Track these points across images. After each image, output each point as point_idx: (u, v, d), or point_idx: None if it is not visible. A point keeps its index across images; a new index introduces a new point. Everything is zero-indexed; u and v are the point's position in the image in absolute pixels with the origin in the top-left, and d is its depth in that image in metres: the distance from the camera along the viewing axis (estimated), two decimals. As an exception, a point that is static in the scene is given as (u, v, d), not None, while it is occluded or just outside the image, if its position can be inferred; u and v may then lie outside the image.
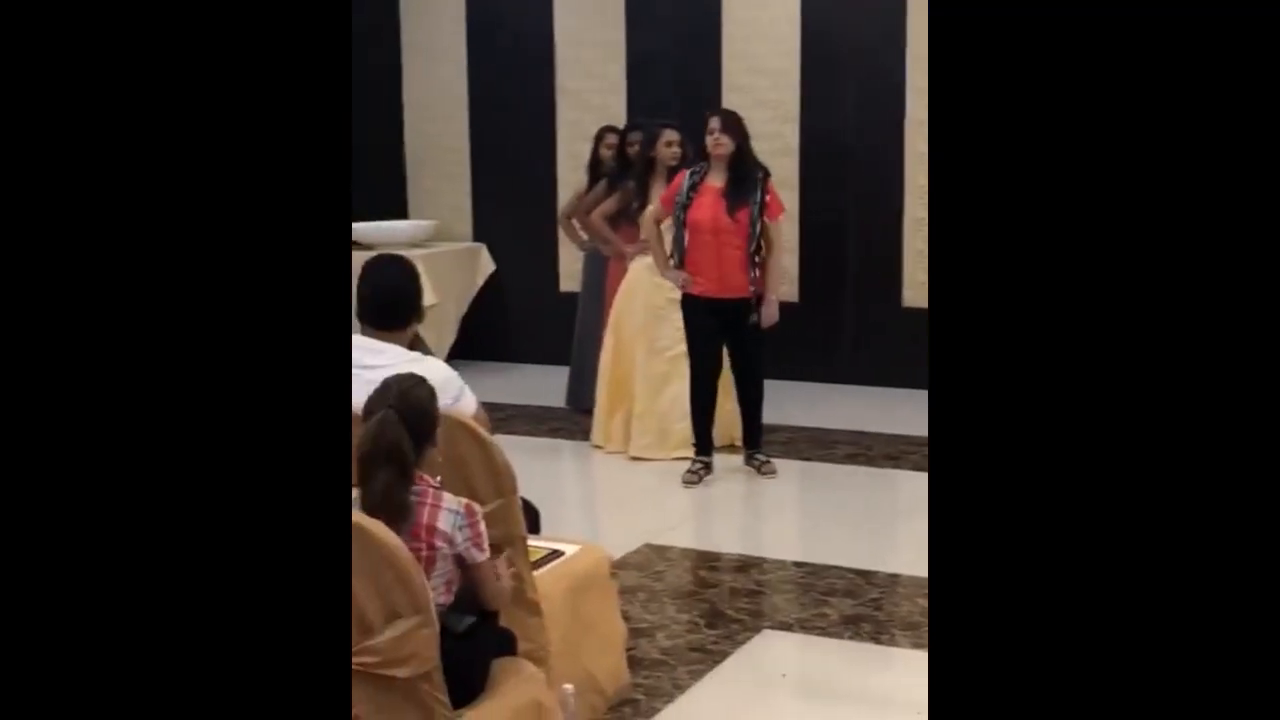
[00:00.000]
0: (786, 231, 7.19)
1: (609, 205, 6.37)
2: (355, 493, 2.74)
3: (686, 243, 5.57)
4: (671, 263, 5.65)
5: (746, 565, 4.71)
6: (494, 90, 8.26)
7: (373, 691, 2.57)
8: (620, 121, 7.19)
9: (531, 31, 8.10)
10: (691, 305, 5.67)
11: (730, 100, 7.54)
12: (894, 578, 4.54)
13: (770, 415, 5.96)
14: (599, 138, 6.78)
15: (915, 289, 7.36)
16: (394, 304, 3.41)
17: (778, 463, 5.83)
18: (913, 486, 5.74)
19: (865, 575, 4.55)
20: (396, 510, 2.63)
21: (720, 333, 5.65)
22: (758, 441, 5.84)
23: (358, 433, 2.70)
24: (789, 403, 6.71)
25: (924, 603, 4.30)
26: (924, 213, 7.32)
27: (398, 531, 2.60)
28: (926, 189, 7.34)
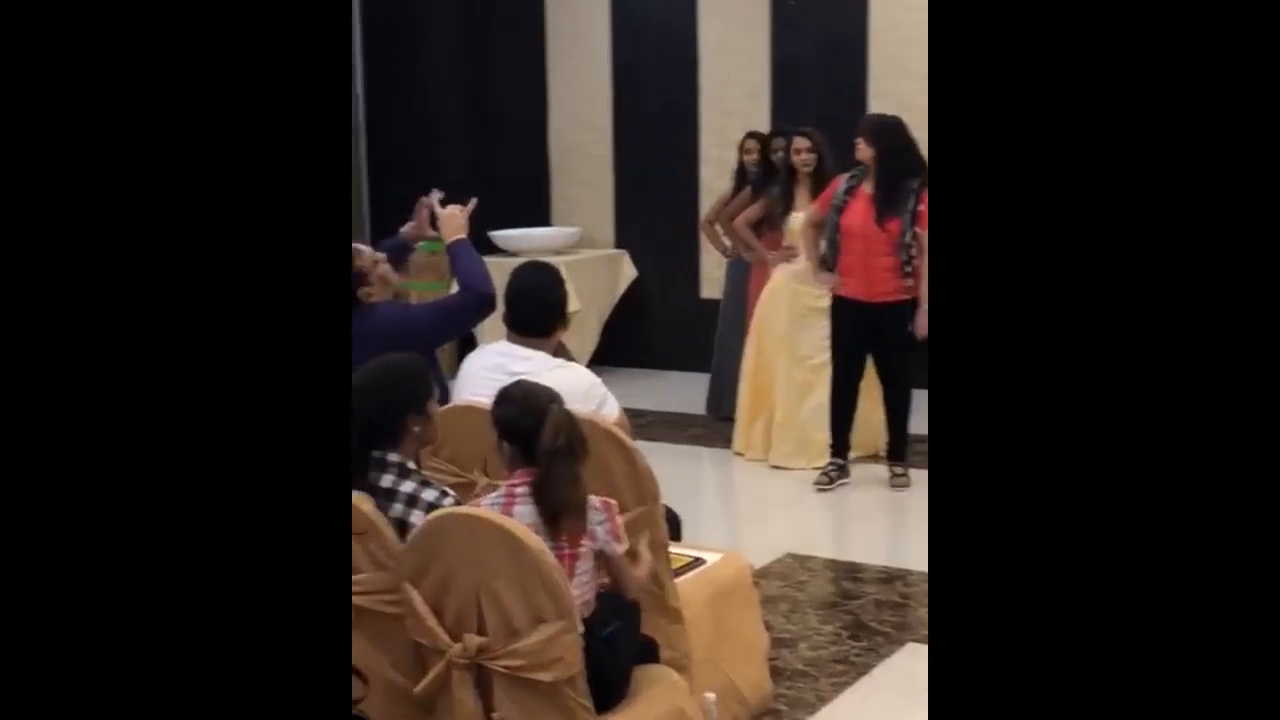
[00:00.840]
0: (921, 235, 7.11)
1: (753, 211, 6.35)
2: (493, 494, 2.77)
3: (839, 246, 5.54)
4: (823, 265, 5.64)
5: (890, 577, 4.64)
6: (638, 97, 8.30)
7: (517, 694, 2.59)
8: (765, 128, 7.16)
9: (676, 38, 8.11)
10: (839, 306, 5.64)
11: (876, 105, 7.46)
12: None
13: (915, 424, 5.87)
14: (743, 144, 6.76)
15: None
16: (540, 311, 3.44)
17: (918, 474, 5.74)
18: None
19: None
20: (580, 506, 2.68)
21: (865, 337, 5.58)
22: (900, 453, 5.75)
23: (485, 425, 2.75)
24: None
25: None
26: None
27: (573, 529, 2.64)
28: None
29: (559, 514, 2.65)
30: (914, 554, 4.93)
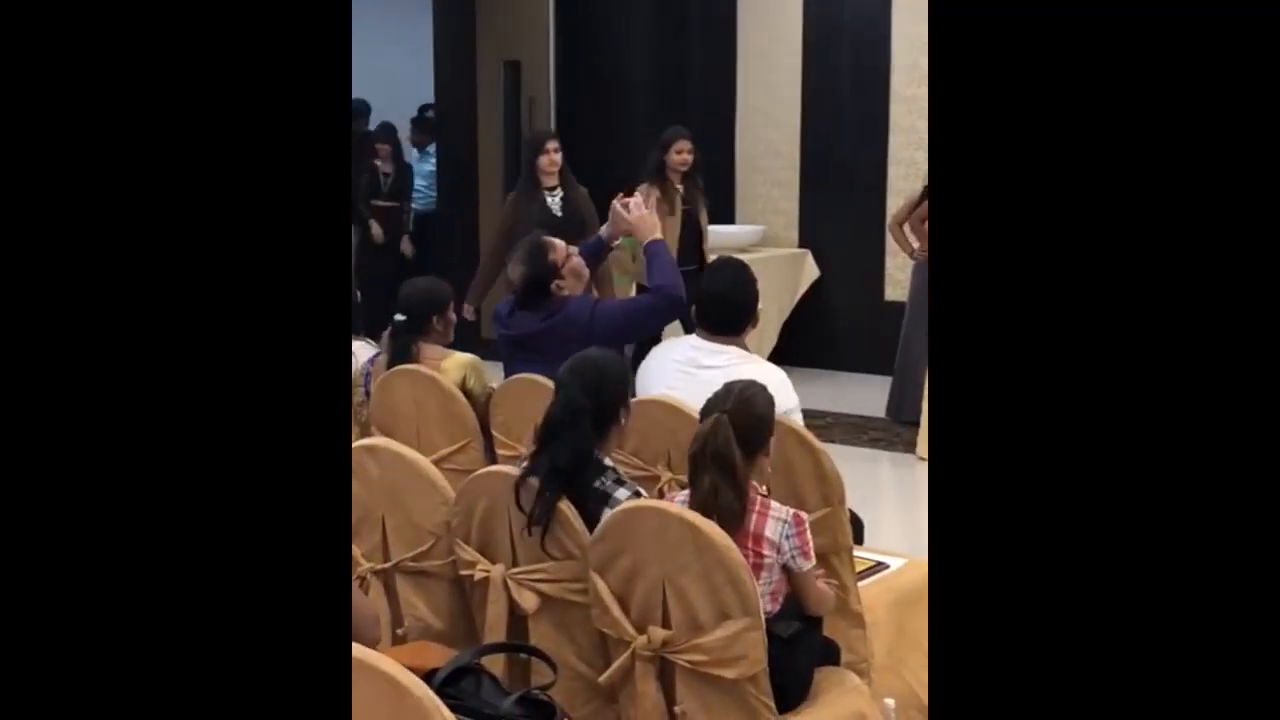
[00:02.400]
0: None
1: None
2: (684, 493, 2.78)
3: None
4: None
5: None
6: (828, 96, 8.24)
7: (700, 689, 2.60)
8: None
9: (868, 37, 8.03)
10: None
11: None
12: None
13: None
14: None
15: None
16: (735, 310, 3.44)
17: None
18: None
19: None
20: (722, 514, 2.64)
21: None
22: None
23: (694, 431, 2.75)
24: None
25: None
26: None
27: (731, 531, 2.62)
28: None
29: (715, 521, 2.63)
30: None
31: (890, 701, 3.15)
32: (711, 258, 5.75)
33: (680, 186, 6.28)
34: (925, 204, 6.53)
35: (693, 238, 6.32)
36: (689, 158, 6.27)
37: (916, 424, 6.30)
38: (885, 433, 6.70)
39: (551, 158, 5.90)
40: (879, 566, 3.49)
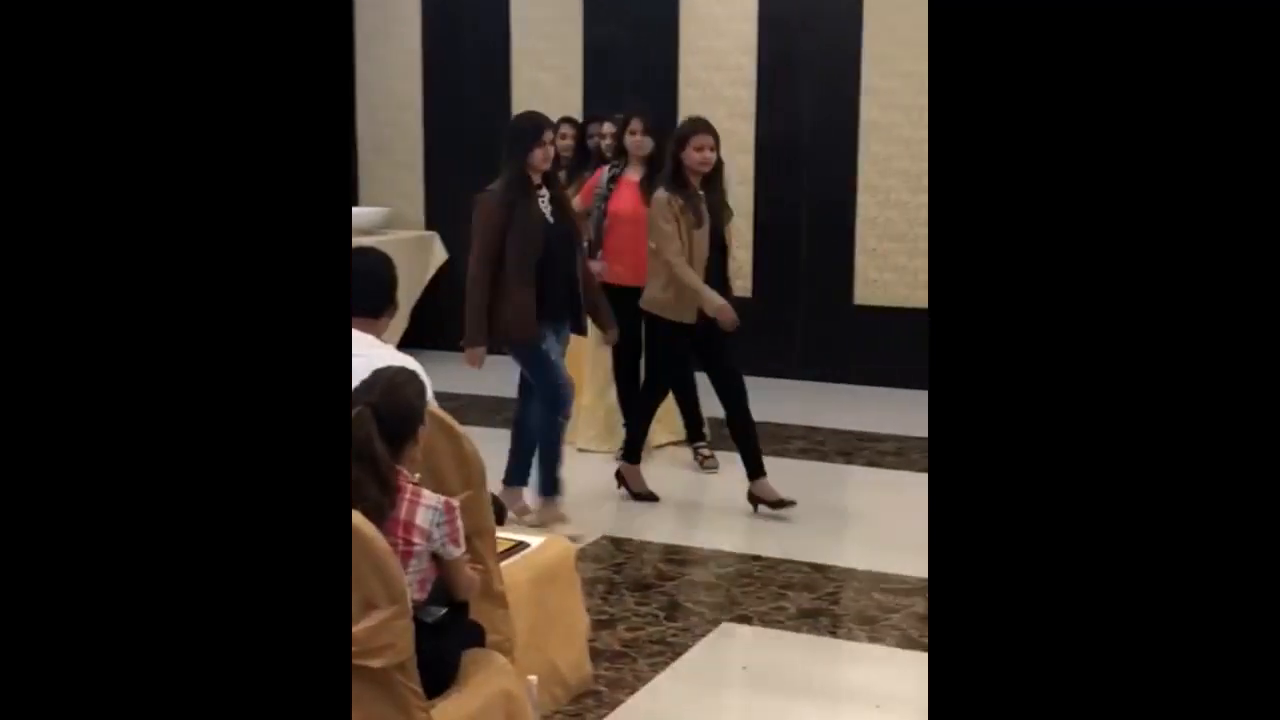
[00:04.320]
0: (742, 228, 7.25)
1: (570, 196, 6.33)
2: None
3: (606, 233, 5.69)
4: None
5: (704, 559, 4.72)
6: (450, 76, 8.21)
7: (346, 682, 2.56)
8: (578, 113, 7.17)
9: (488, 23, 8.05)
10: (610, 294, 5.73)
11: (687, 95, 7.55)
12: (849, 571, 4.57)
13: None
14: (555, 129, 6.74)
15: (867, 287, 7.44)
16: (369, 294, 3.37)
17: (725, 455, 5.85)
18: (865, 481, 5.80)
19: (821, 569, 4.58)
20: (366, 508, 2.59)
21: (638, 321, 5.51)
22: (699, 434, 5.92)
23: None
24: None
25: (879, 597, 4.34)
26: (876, 212, 7.40)
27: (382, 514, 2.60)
28: (879, 189, 7.41)
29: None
30: (726, 535, 5.04)
31: (533, 679, 3.19)
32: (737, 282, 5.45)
33: (703, 192, 5.10)
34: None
35: (720, 256, 5.21)
36: (711, 156, 5.06)
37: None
38: (517, 413, 6.75)
39: (546, 150, 4.83)
40: (519, 546, 3.53)
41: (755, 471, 5.24)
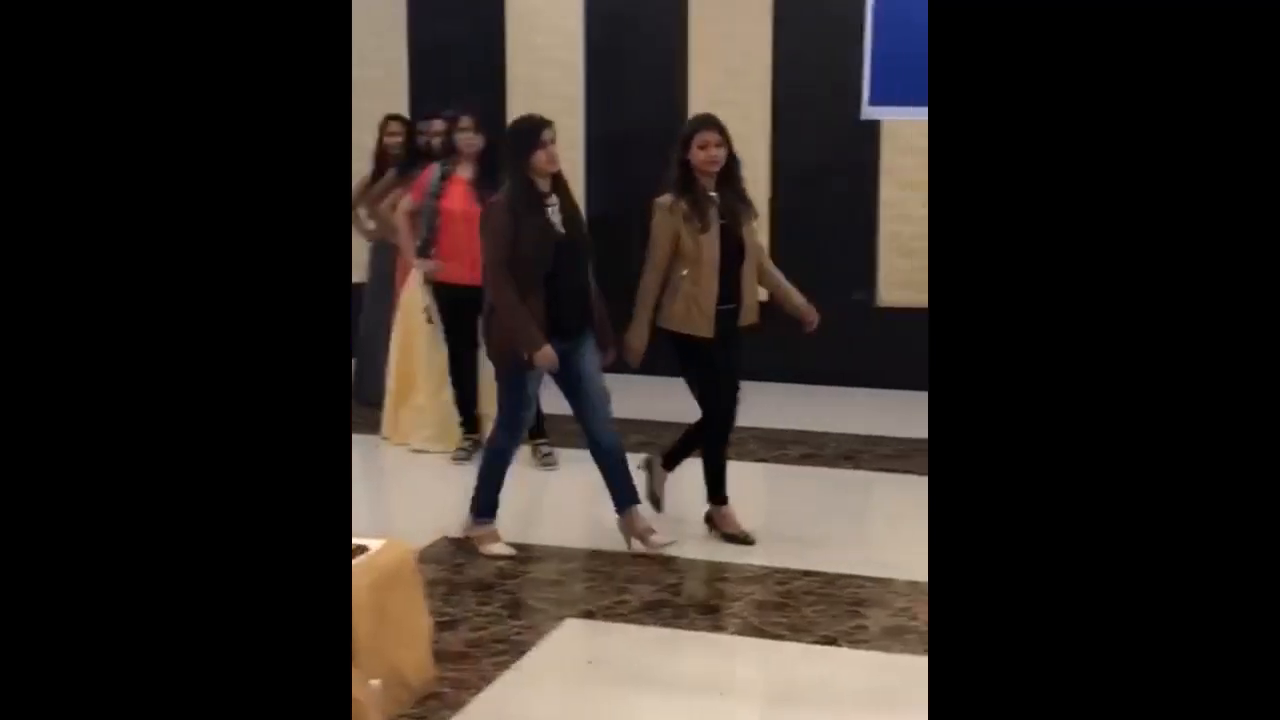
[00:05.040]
0: None
1: (400, 194, 6.23)
2: None
3: (439, 231, 5.66)
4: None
5: (546, 556, 4.70)
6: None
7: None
8: (406, 111, 7.08)
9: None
10: (441, 292, 5.77)
11: (515, 92, 7.52)
12: (691, 563, 4.60)
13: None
14: (383, 126, 6.64)
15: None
16: None
17: (564, 452, 5.85)
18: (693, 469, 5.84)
19: (663, 562, 4.60)
20: None
21: (473, 317, 5.38)
22: (540, 429, 5.86)
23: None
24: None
25: (721, 586, 4.39)
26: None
27: None
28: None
29: None
30: (565, 530, 5.05)
31: (375, 683, 3.14)
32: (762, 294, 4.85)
33: (715, 193, 4.72)
34: (379, 185, 6.48)
35: (733, 262, 4.73)
36: (718, 153, 4.66)
37: (380, 405, 6.27)
38: (353, 415, 6.63)
39: (550, 152, 4.50)
40: (359, 550, 3.46)
41: (715, 493, 4.89)
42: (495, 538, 4.74)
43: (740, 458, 5.82)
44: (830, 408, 6.86)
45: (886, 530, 5.26)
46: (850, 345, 6.86)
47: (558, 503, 5.56)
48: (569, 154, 7.46)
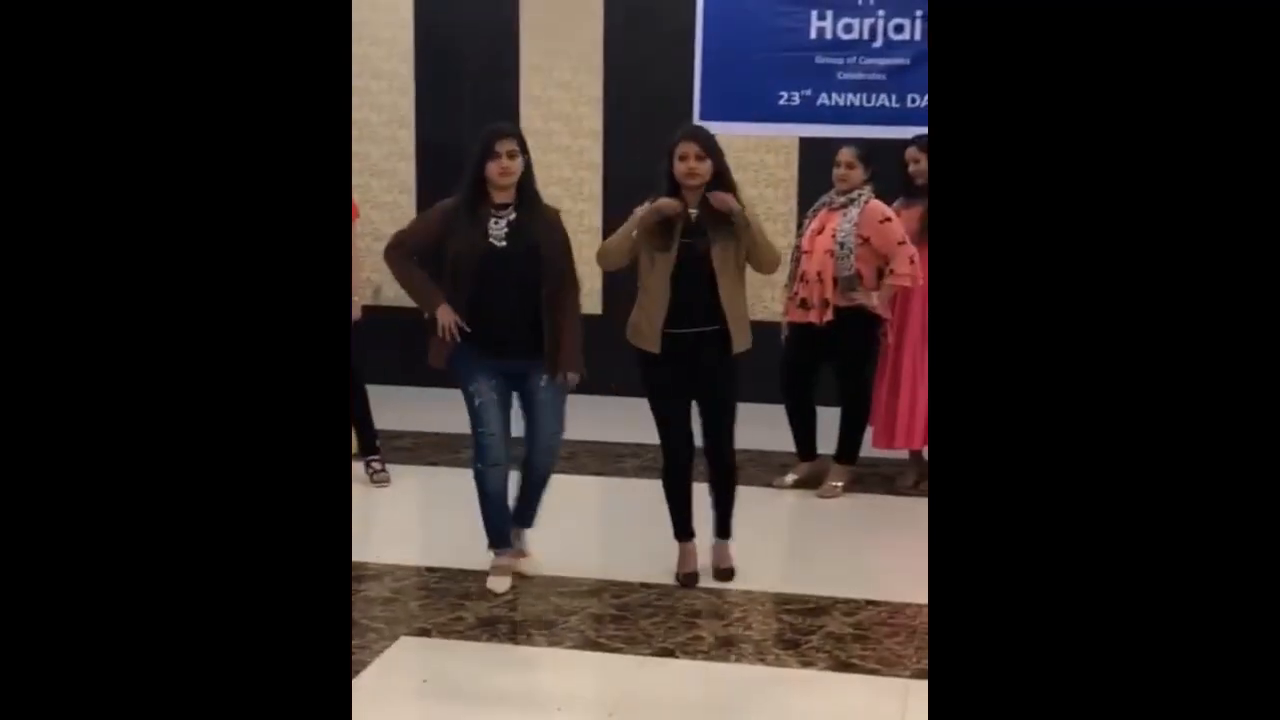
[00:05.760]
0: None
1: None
2: None
3: None
4: None
5: (380, 574, 4.62)
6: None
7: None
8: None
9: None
10: None
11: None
12: (526, 579, 4.57)
13: (384, 420, 5.83)
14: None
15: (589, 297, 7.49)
16: None
17: (397, 469, 5.77)
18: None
19: (498, 577, 4.57)
20: None
21: None
22: (369, 446, 5.81)
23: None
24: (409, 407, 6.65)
25: (557, 600, 4.37)
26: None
27: None
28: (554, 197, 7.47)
29: None
30: (400, 549, 4.96)
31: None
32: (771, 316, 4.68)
33: (694, 210, 4.36)
34: None
35: (698, 288, 4.36)
36: (699, 166, 4.31)
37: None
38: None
39: (501, 164, 4.27)
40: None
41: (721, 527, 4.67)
42: (501, 570, 4.52)
43: (575, 471, 5.84)
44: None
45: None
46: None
47: (390, 520, 5.47)
48: (401, 166, 7.39)
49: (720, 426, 4.54)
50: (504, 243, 4.29)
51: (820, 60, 6.85)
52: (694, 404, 4.54)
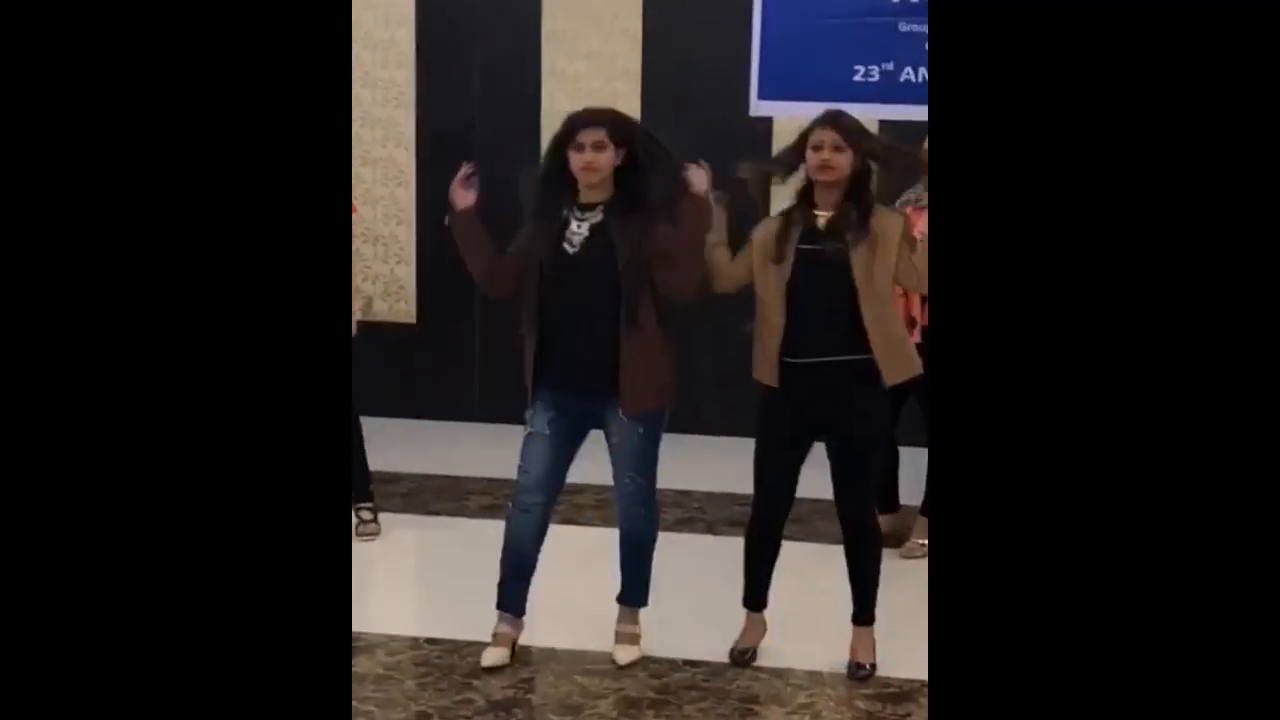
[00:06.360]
0: (402, 239, 6.94)
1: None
2: None
3: None
4: None
5: (371, 645, 4.32)
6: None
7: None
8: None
9: None
10: None
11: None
12: (548, 652, 4.30)
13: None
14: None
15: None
16: None
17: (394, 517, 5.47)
18: (561, 540, 5.50)
19: (515, 652, 4.25)
20: None
21: None
22: (362, 493, 5.39)
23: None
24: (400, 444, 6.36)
25: (582, 680, 4.08)
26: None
27: None
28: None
29: None
30: (395, 618, 4.73)
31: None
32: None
33: (823, 213, 4.08)
34: None
35: (830, 306, 4.02)
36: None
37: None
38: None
39: (586, 157, 3.88)
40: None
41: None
42: (500, 639, 4.18)
43: (601, 523, 5.50)
44: (697, 462, 6.44)
45: (791, 610, 4.88)
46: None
47: (381, 579, 5.09)
48: (399, 154, 7.15)
49: (855, 479, 4.08)
50: (576, 249, 3.89)
51: (904, 28, 6.41)
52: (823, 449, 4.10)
